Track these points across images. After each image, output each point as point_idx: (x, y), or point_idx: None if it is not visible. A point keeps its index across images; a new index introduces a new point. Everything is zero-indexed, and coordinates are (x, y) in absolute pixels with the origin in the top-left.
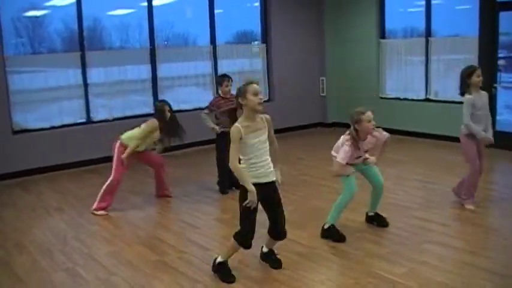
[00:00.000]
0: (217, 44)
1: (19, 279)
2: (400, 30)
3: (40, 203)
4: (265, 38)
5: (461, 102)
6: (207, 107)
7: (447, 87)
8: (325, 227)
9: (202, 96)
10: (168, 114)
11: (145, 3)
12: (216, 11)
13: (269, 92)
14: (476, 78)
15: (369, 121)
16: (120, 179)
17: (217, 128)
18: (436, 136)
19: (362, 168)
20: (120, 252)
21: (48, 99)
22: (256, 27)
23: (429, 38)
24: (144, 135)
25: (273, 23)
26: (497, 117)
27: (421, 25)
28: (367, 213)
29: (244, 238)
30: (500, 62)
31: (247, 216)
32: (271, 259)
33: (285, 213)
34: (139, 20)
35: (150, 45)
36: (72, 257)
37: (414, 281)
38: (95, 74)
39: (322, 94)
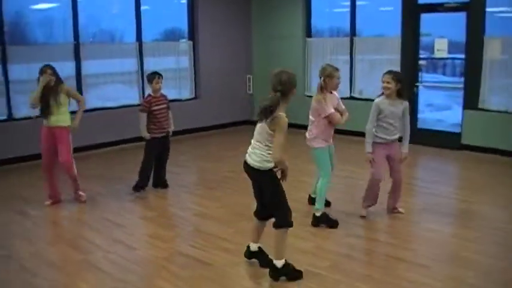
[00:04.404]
0: (143, 41)
1: None
2: (327, 29)
3: None
4: (192, 35)
5: None
6: (140, 105)
7: (371, 86)
8: (317, 214)
9: (128, 94)
10: (48, 78)
11: None
12: (142, 8)
13: (195, 89)
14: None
15: (339, 78)
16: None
17: (147, 134)
18: (360, 133)
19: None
20: (42, 252)
21: None
22: (184, 24)
23: (354, 38)
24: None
25: (200, 20)
26: (419, 115)
27: (347, 25)
28: (310, 195)
29: (290, 217)
30: (422, 62)
31: (284, 195)
32: (262, 258)
33: (211, 210)
34: (64, 14)
35: (75, 40)
36: None
37: (339, 273)
38: (17, 70)
39: (249, 92)
